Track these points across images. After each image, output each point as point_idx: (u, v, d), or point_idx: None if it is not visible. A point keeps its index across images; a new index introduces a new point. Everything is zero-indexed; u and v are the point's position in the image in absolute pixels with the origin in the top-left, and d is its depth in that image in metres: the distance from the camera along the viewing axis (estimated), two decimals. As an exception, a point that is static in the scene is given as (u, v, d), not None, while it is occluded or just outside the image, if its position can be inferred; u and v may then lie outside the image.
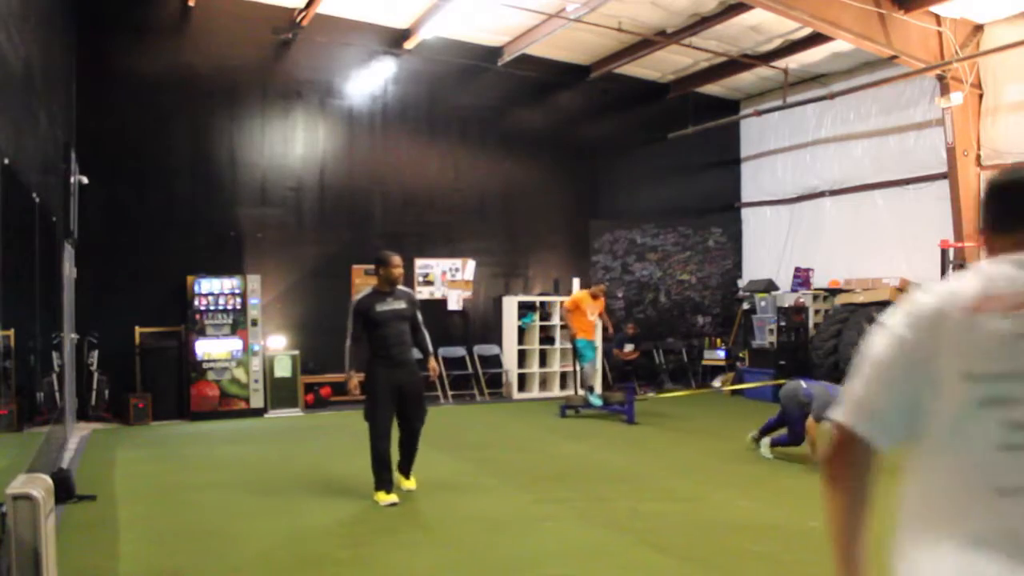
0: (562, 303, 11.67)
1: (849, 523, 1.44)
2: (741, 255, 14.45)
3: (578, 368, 10.38)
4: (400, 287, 5.87)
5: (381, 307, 5.68)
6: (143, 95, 9.79)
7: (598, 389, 10.86)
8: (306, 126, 10.95)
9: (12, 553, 3.20)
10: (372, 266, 6.29)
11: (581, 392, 10.28)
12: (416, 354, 5.88)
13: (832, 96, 11.40)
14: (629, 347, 12.55)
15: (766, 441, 7.27)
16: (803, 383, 7.00)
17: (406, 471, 5.96)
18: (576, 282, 12.41)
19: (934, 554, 1.30)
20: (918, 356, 1.37)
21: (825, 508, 1.48)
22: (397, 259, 5.82)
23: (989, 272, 1.38)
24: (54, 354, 6.61)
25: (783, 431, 7.14)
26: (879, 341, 1.44)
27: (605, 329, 10.81)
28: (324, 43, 10.76)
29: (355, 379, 5.72)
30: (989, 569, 1.24)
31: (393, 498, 5.57)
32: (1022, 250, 1.39)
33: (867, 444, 1.42)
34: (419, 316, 5.92)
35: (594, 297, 10.19)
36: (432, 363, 6.08)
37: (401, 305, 5.76)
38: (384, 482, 5.60)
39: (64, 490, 5.26)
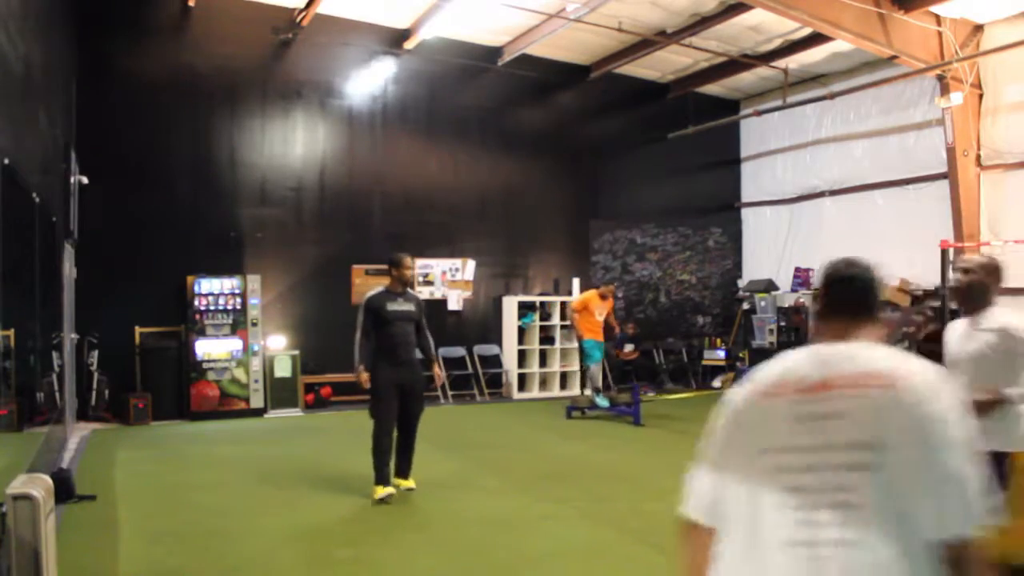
0: (564, 303, 11.66)
1: None
2: (741, 255, 14.45)
3: (584, 368, 10.34)
4: (409, 289, 6.03)
5: (392, 306, 5.82)
6: (143, 95, 9.78)
7: (600, 389, 10.85)
8: (306, 126, 10.95)
9: (12, 553, 3.20)
10: (380, 266, 6.39)
11: (587, 393, 10.25)
12: (418, 354, 6.03)
13: (832, 96, 11.40)
14: (629, 347, 12.55)
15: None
16: None
17: (405, 471, 5.99)
18: (576, 282, 12.41)
19: None
20: (731, 441, 1.63)
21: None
22: (409, 260, 6.01)
23: (789, 360, 1.61)
24: (54, 354, 6.60)
25: None
26: (709, 438, 1.68)
27: (610, 329, 10.77)
28: (324, 43, 10.76)
29: (365, 373, 5.79)
30: None
31: (390, 489, 5.67)
32: (838, 339, 1.58)
33: (706, 527, 1.64)
34: (424, 320, 6.07)
35: (603, 298, 10.15)
36: (436, 369, 6.29)
37: (410, 307, 5.92)
38: (384, 477, 5.69)
39: (64, 490, 5.27)
